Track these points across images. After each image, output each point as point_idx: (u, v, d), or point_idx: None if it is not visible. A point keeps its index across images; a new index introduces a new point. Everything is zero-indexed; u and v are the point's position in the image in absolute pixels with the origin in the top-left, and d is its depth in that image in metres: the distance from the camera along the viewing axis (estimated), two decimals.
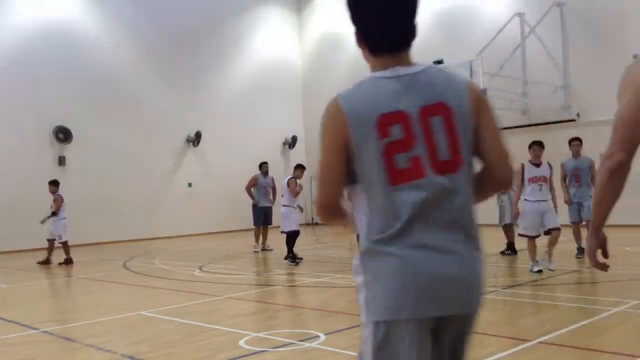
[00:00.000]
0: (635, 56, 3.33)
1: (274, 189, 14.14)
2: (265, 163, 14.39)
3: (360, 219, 1.96)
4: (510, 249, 10.81)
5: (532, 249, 8.54)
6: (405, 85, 1.93)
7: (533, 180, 8.63)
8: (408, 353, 1.85)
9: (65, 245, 13.19)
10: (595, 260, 2.77)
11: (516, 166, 8.59)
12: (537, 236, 8.61)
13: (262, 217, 13.80)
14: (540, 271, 8.33)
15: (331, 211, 1.99)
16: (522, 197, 8.83)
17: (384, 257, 1.87)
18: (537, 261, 8.51)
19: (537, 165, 8.75)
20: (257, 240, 13.85)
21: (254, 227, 14.09)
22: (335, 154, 1.92)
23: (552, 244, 8.51)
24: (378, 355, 1.87)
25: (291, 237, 11.13)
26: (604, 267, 2.72)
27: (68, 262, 12.99)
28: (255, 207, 13.90)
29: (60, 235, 13.20)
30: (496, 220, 11.09)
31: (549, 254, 8.49)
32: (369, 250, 1.90)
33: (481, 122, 1.96)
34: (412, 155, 1.87)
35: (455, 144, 1.90)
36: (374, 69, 2.03)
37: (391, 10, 1.94)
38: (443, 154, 1.89)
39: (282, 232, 11.29)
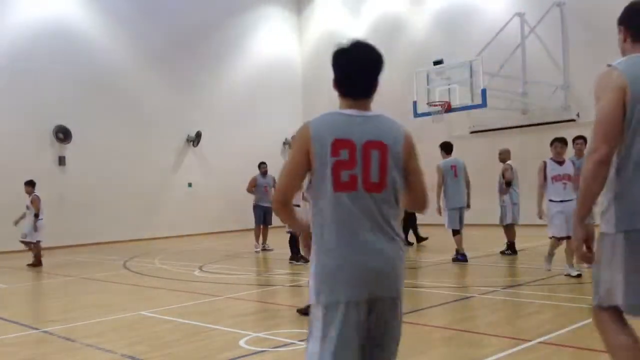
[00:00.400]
0: (609, 65, 3.69)
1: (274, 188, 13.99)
2: (264, 163, 14.46)
3: (312, 215, 2.63)
4: (511, 249, 10.82)
5: (569, 251, 7.89)
6: (358, 123, 2.65)
7: (556, 178, 8.15)
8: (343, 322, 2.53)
9: (37, 247, 13.06)
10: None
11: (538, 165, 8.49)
12: (569, 237, 7.84)
13: (262, 217, 13.84)
14: (579, 275, 7.79)
15: (284, 201, 2.61)
16: (546, 197, 8.27)
17: (329, 252, 2.56)
18: (572, 264, 7.91)
19: (560, 162, 8.28)
20: (257, 240, 13.90)
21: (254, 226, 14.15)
22: (298, 156, 2.59)
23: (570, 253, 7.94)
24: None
25: (296, 237, 11.12)
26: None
27: (37, 264, 12.85)
28: (255, 206, 14.01)
29: (31, 235, 13.03)
30: (497, 221, 11.12)
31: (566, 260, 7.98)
32: (318, 247, 2.58)
33: (409, 167, 2.66)
34: (351, 174, 2.54)
35: (384, 172, 2.58)
36: (340, 106, 2.78)
37: (361, 73, 2.77)
38: (374, 177, 2.56)
39: (288, 232, 11.28)
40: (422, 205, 2.80)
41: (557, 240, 8.09)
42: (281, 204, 2.62)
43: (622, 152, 2.89)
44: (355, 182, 2.56)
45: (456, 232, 10.34)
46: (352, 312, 2.49)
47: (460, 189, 10.39)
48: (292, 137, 2.80)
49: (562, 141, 8.48)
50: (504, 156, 11.32)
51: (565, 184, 8.07)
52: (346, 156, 2.56)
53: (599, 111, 2.98)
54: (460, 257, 10.11)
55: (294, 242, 11.36)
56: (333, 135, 2.60)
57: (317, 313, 2.55)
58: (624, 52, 3.20)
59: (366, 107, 2.79)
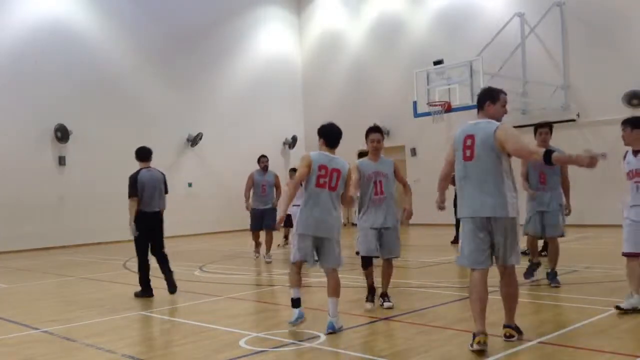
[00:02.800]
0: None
1: (277, 186, 12.41)
2: (264, 157, 12.65)
3: (302, 197, 5.74)
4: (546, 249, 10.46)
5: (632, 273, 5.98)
6: (330, 158, 5.73)
7: (634, 175, 5.87)
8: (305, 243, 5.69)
9: None
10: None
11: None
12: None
13: (259, 221, 12.12)
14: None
15: (293, 190, 5.80)
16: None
17: (305, 210, 5.67)
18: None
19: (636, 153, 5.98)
20: (256, 247, 12.43)
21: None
22: (304, 169, 5.64)
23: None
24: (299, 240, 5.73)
25: None
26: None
27: None
28: (251, 209, 12.28)
29: None
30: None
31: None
32: (301, 209, 5.69)
33: (347, 183, 5.80)
34: (324, 181, 5.63)
35: (337, 182, 5.68)
36: (321, 148, 5.84)
37: (335, 136, 5.83)
38: (333, 185, 5.67)
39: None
40: (347, 203, 5.98)
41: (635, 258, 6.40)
42: (291, 191, 5.90)
43: None
44: (325, 185, 5.68)
45: None
46: (308, 240, 5.68)
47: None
48: (302, 158, 5.84)
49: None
50: None
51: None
52: (324, 173, 5.67)
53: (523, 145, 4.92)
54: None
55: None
56: (318, 162, 5.70)
57: (296, 237, 5.76)
58: None
59: (333, 152, 5.85)
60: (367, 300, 6.77)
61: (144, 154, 8.54)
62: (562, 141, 16.46)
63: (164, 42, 20.46)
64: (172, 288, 7.97)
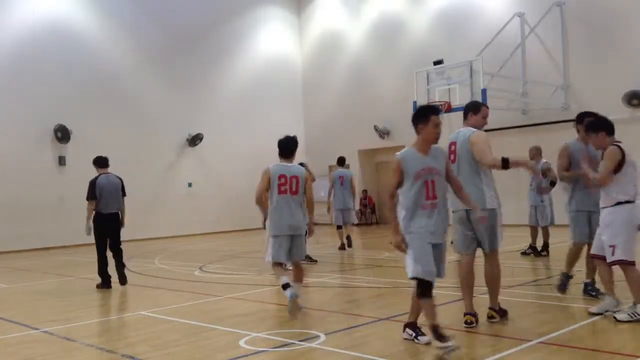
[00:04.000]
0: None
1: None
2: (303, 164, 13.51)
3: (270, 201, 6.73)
4: (546, 249, 10.62)
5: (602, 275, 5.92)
6: (287, 167, 6.65)
7: None
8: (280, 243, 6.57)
9: None
10: None
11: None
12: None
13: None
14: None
15: (259, 199, 6.61)
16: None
17: (275, 215, 6.54)
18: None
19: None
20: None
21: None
22: (264, 181, 6.58)
23: None
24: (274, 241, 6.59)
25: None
26: None
27: None
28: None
29: None
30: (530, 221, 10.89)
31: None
32: (270, 212, 6.61)
33: (306, 187, 6.70)
34: (285, 188, 6.53)
35: (297, 187, 6.59)
36: (280, 159, 6.75)
37: (288, 148, 6.77)
38: (294, 190, 6.58)
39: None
40: (309, 204, 6.83)
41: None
42: (258, 200, 6.71)
43: None
44: (287, 191, 6.55)
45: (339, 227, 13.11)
46: (284, 238, 6.53)
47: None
48: (263, 171, 6.69)
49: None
50: (535, 153, 10.62)
51: None
52: (284, 180, 6.55)
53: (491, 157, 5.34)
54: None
55: None
56: (278, 172, 6.57)
57: (270, 238, 6.57)
58: None
59: (292, 161, 6.77)
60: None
61: (102, 162, 9.60)
62: (562, 141, 16.50)
63: (164, 42, 20.47)
64: (122, 281, 8.97)
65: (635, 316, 5.41)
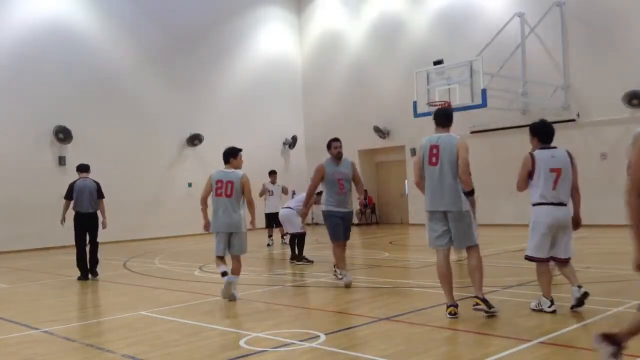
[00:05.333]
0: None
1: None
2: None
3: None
4: None
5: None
6: (226, 173, 7.65)
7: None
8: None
9: None
10: None
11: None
12: None
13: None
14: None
15: (203, 201, 7.95)
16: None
17: (214, 215, 7.70)
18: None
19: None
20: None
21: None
22: (206, 187, 7.77)
23: None
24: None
25: (301, 238, 11.25)
26: None
27: None
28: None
29: None
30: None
31: None
32: (212, 214, 7.75)
33: (244, 191, 7.61)
34: (221, 191, 7.56)
35: (232, 191, 7.51)
36: (226, 167, 7.77)
37: (225, 156, 7.82)
38: (229, 193, 7.52)
39: (292, 233, 11.44)
40: (250, 205, 7.65)
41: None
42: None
43: None
44: (222, 194, 7.51)
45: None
46: (222, 235, 7.62)
47: None
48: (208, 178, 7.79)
49: None
50: None
51: None
52: (220, 185, 7.54)
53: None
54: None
55: (294, 243, 11.41)
56: (216, 177, 7.63)
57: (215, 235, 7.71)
58: None
59: (231, 168, 7.63)
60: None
61: (81, 168, 11.10)
62: (562, 141, 16.50)
63: (164, 42, 20.47)
64: (92, 272, 10.39)
65: (538, 307, 6.10)
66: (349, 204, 8.44)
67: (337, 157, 8.38)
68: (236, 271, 7.61)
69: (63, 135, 17.87)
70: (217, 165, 20.12)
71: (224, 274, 7.53)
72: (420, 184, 6.23)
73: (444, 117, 6.26)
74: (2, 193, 16.65)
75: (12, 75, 17.29)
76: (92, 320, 7.00)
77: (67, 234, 17.25)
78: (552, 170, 5.94)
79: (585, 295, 5.95)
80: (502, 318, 5.88)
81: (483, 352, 4.69)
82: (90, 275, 10.33)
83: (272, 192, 15.15)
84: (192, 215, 20.20)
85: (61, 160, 18.06)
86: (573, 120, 16.74)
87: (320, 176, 8.37)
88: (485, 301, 5.94)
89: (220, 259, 7.69)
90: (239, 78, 22.58)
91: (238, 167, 7.69)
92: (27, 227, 16.81)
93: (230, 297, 7.41)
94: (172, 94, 20.51)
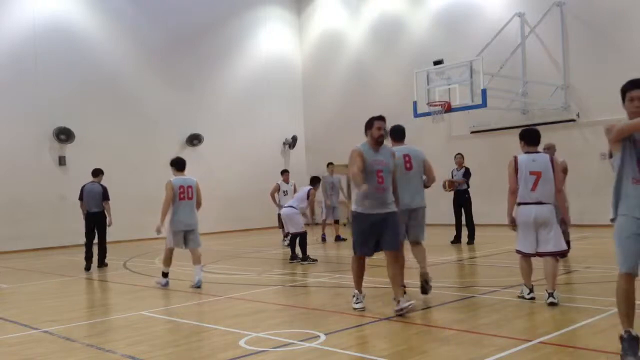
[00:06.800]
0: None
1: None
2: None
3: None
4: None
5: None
6: (184, 179, 8.89)
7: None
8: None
9: None
10: None
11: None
12: None
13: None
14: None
15: (167, 205, 8.75)
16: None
17: (176, 216, 8.75)
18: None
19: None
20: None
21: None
22: (169, 192, 8.71)
23: None
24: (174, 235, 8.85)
25: (302, 238, 11.21)
26: None
27: None
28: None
29: None
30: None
31: None
32: (172, 213, 8.77)
33: (197, 194, 8.96)
34: (184, 195, 8.73)
35: (192, 194, 8.81)
36: (177, 173, 8.98)
37: (179, 164, 9.10)
38: (190, 196, 8.79)
39: (293, 232, 11.38)
40: (199, 206, 8.99)
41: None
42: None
43: None
44: (185, 197, 8.72)
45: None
46: (180, 234, 8.75)
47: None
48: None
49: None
50: (551, 152, 10.25)
51: None
52: (183, 190, 8.71)
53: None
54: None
55: (295, 243, 11.41)
56: (178, 183, 8.71)
57: (171, 232, 8.78)
58: None
59: (182, 175, 8.87)
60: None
61: (94, 172, 12.60)
62: (562, 141, 16.53)
63: (165, 42, 20.47)
64: (103, 264, 12.05)
65: (521, 294, 6.67)
66: (390, 204, 6.44)
67: (379, 142, 6.44)
68: (197, 260, 8.70)
69: (63, 135, 17.85)
70: (217, 165, 20.10)
71: (165, 274, 8.92)
72: (396, 193, 6.69)
73: (402, 131, 7.43)
74: (2, 193, 16.65)
75: (12, 75, 17.28)
76: (92, 320, 7.00)
77: (67, 234, 17.41)
78: (532, 173, 6.40)
79: (552, 304, 6.25)
80: (502, 318, 5.88)
81: (483, 352, 4.69)
82: (97, 267, 11.94)
83: (286, 192, 14.46)
84: None
85: (61, 160, 18.06)
86: (573, 120, 16.73)
87: (362, 161, 6.29)
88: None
89: (171, 254, 8.94)
90: (239, 78, 22.58)
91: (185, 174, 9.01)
92: (27, 227, 16.80)
93: (197, 285, 8.52)
94: (172, 94, 20.50)
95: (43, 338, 5.99)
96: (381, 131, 6.40)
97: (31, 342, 5.82)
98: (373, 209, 6.35)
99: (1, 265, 13.51)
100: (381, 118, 6.50)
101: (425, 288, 7.12)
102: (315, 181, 12.58)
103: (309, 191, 11.74)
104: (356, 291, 6.69)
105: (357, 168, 6.17)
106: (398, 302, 6.13)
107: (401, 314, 6.05)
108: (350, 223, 6.88)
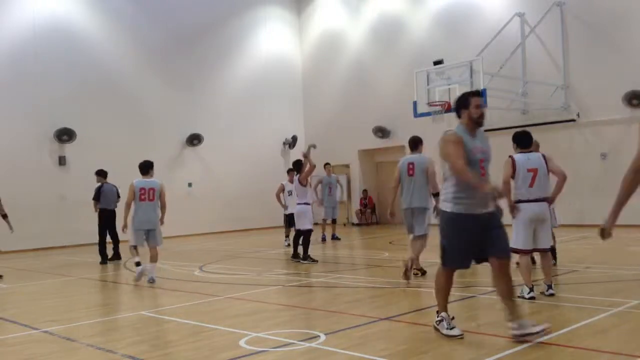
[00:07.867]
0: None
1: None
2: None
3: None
4: (553, 254, 10.37)
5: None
6: (147, 182, 9.44)
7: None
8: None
9: None
10: None
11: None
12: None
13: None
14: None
15: (128, 206, 9.48)
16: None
17: (137, 216, 9.33)
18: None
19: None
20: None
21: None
22: (129, 194, 9.39)
23: None
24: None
25: (306, 237, 11.10)
26: None
27: None
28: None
29: None
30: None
31: None
32: (134, 214, 9.34)
33: (161, 195, 9.47)
34: (145, 197, 9.30)
35: (154, 195, 9.39)
36: (142, 176, 9.55)
37: (144, 168, 9.59)
38: (151, 198, 9.35)
39: (299, 229, 11.28)
40: (164, 207, 9.50)
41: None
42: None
43: None
44: (146, 199, 9.28)
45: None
46: (141, 232, 9.31)
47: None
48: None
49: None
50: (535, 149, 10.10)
51: None
52: (144, 192, 9.28)
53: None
54: None
55: (298, 241, 11.37)
56: (139, 187, 9.31)
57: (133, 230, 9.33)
58: None
59: (150, 177, 9.42)
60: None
61: (104, 173, 13.81)
62: (562, 141, 16.53)
63: (164, 42, 20.46)
64: (117, 257, 13.25)
65: (520, 294, 6.56)
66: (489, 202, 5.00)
67: (478, 124, 5.05)
68: (154, 258, 9.25)
69: (63, 135, 17.84)
70: (217, 165, 20.14)
71: (137, 263, 9.34)
72: (395, 192, 8.79)
73: (419, 140, 9.05)
74: (2, 193, 16.58)
75: (12, 75, 17.28)
76: (92, 320, 7.00)
77: (67, 234, 17.43)
78: (529, 170, 6.68)
79: (550, 295, 6.69)
80: (502, 318, 5.88)
81: (483, 352, 4.68)
82: (111, 260, 13.00)
83: (291, 192, 13.72)
84: (192, 215, 20.34)
85: (61, 160, 18.05)
86: (573, 120, 16.73)
87: (462, 148, 4.94)
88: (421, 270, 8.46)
89: (135, 248, 9.42)
90: (239, 78, 22.57)
91: (152, 176, 9.50)
92: (27, 227, 16.77)
93: (150, 280, 9.09)
94: (172, 94, 20.50)
95: (43, 338, 5.99)
96: (480, 110, 4.99)
97: (31, 342, 5.82)
98: (476, 209, 4.89)
99: (1, 265, 13.50)
100: (478, 93, 5.24)
101: (407, 274, 8.02)
102: (295, 167, 11.82)
103: (299, 180, 11.41)
104: (444, 314, 5.18)
105: (463, 161, 4.78)
106: (519, 325, 4.80)
107: (525, 340, 4.76)
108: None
